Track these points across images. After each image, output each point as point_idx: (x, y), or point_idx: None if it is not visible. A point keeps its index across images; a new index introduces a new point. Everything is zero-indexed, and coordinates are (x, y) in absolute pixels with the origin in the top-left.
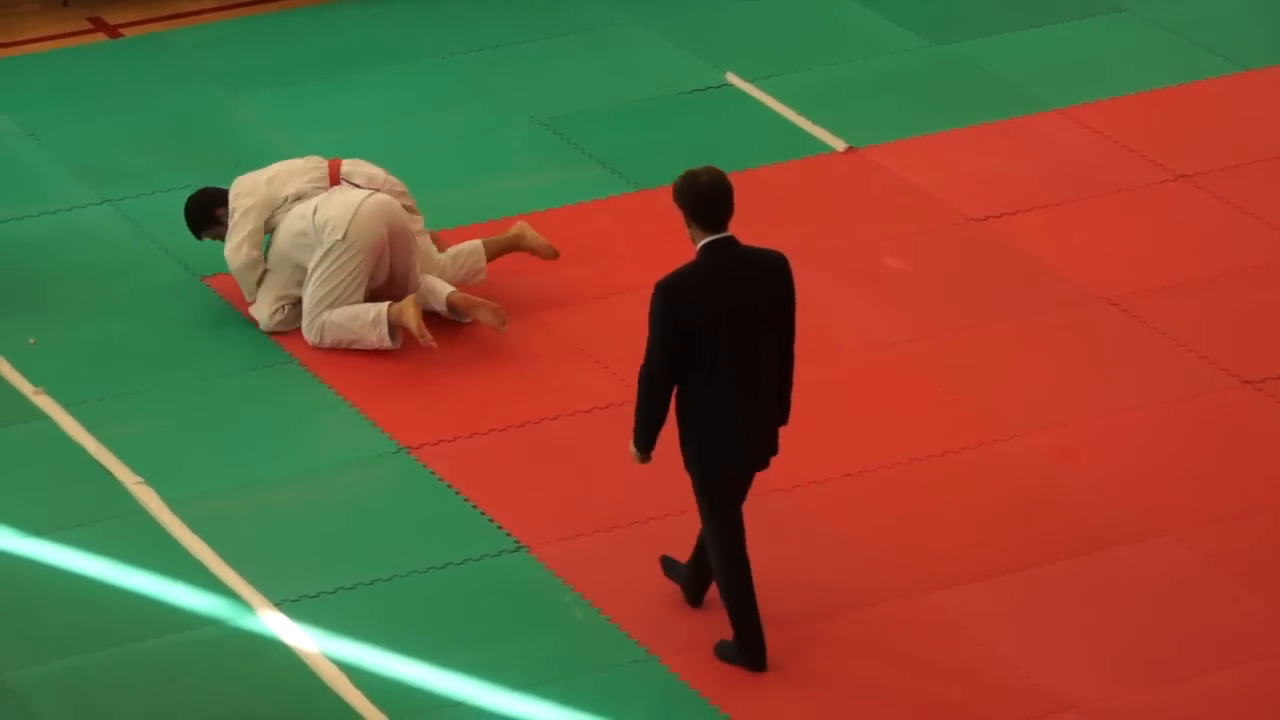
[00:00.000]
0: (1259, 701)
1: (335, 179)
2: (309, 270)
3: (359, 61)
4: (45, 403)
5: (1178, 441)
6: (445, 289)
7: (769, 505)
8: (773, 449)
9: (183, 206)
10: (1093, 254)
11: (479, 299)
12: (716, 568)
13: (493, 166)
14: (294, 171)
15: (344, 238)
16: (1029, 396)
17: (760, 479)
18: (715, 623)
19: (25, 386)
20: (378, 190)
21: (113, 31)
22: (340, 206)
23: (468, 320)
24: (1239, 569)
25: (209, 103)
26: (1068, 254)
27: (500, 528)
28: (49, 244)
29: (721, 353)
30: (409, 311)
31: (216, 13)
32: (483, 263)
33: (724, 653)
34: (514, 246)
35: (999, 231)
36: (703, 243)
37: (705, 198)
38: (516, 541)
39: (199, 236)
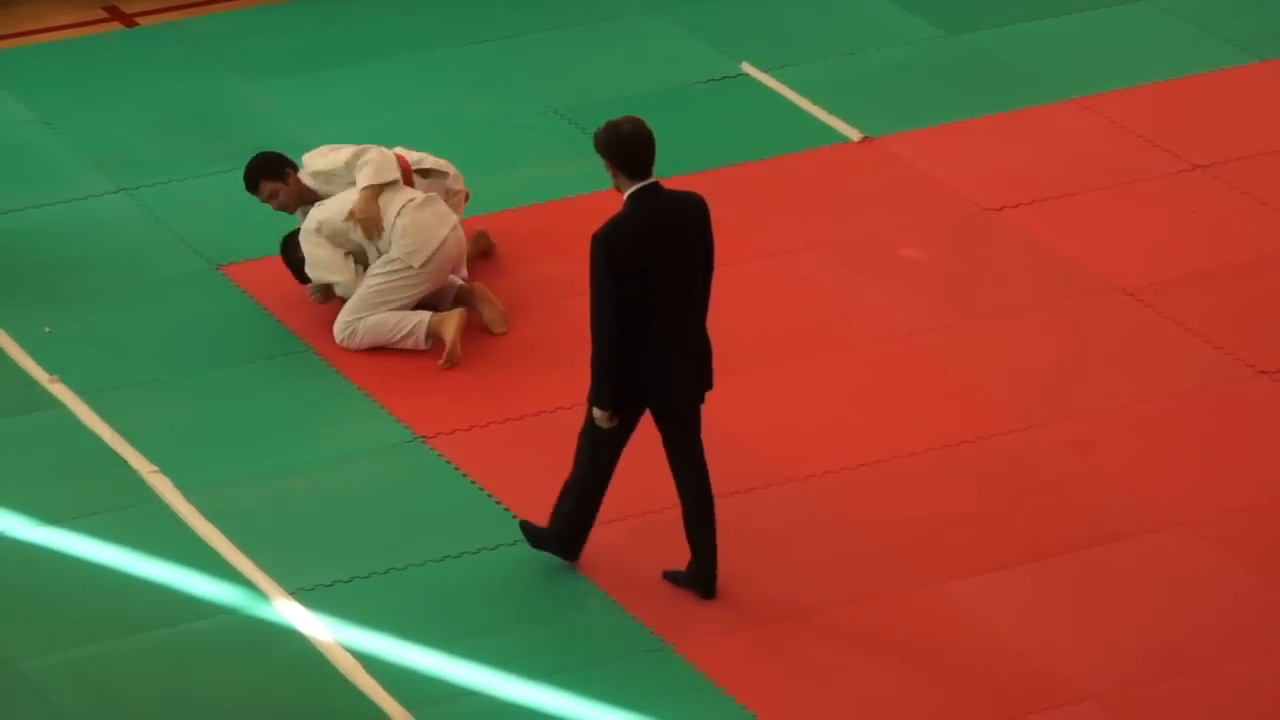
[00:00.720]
0: (1275, 692)
1: (407, 171)
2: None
3: (375, 51)
4: (60, 391)
5: (1194, 432)
6: (456, 279)
7: (784, 495)
8: (708, 382)
9: (246, 166)
10: (1108, 244)
11: (491, 296)
12: (582, 465)
13: (508, 156)
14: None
15: (422, 266)
16: (1044, 386)
17: (776, 468)
18: (733, 612)
19: (41, 375)
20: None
21: (128, 20)
22: (424, 231)
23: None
24: (1254, 560)
25: (225, 91)
26: (1083, 244)
27: (515, 517)
28: (64, 233)
29: (660, 294)
30: (451, 324)
31: (232, 1)
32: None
33: (535, 535)
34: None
35: (1014, 221)
36: (630, 190)
37: (630, 146)
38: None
39: (256, 189)
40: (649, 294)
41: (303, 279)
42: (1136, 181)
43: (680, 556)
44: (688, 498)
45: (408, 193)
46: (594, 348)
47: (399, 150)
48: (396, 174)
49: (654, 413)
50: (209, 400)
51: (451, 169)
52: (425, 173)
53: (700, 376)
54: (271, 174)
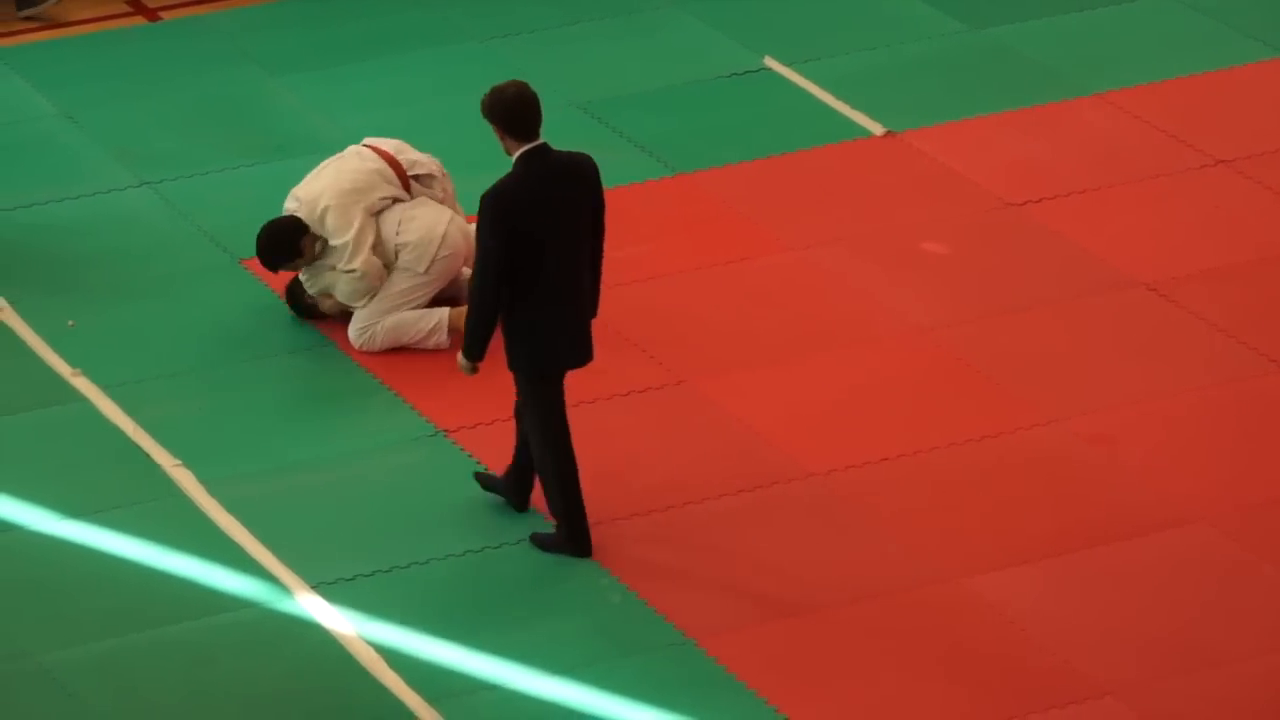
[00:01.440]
0: None
1: (404, 178)
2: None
3: (397, 45)
4: (83, 384)
5: (1216, 427)
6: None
7: (805, 489)
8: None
9: (259, 240)
10: (1131, 239)
11: None
12: (541, 452)
13: None
14: (369, 175)
15: (425, 271)
16: (1066, 381)
17: (797, 463)
18: (755, 606)
19: (63, 368)
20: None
21: (152, 15)
22: (424, 232)
23: None
24: (1276, 554)
25: (247, 85)
26: (1106, 239)
27: (536, 511)
28: (87, 226)
29: (549, 255)
30: None
31: None
32: None
33: (545, 542)
34: None
35: (1037, 216)
36: (519, 152)
37: (515, 108)
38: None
39: (276, 268)
40: (541, 252)
41: (303, 313)
42: (1159, 176)
43: (701, 550)
44: (564, 452)
45: (399, 209)
46: (473, 303)
47: (392, 147)
48: (367, 298)
49: (547, 369)
50: (231, 394)
51: (439, 170)
52: (417, 179)
53: (587, 341)
54: (290, 254)
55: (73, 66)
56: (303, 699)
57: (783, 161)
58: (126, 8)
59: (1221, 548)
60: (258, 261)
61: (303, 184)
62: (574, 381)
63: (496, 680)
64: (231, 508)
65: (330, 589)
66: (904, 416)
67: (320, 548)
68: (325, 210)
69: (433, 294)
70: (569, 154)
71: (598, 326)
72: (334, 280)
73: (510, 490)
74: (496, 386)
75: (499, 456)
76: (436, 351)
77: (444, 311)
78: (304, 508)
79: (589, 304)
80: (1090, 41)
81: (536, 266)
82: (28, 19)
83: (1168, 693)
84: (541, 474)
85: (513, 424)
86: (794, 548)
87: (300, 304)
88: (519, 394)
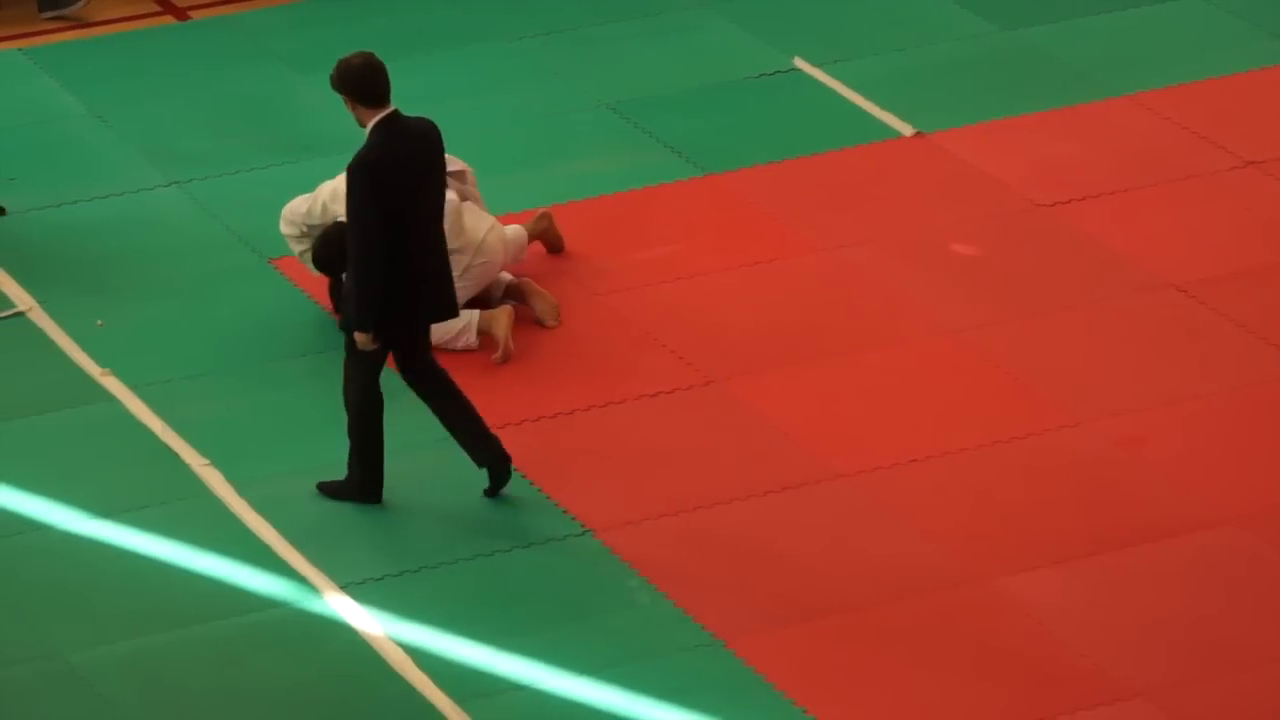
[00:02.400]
0: None
1: None
2: None
3: (426, 44)
4: (112, 384)
5: (1246, 428)
6: (506, 275)
7: (835, 490)
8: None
9: (319, 254)
10: (1161, 240)
11: (539, 289)
12: (358, 398)
13: (560, 150)
14: None
15: (461, 274)
16: (1097, 383)
17: (827, 464)
18: (784, 607)
19: (92, 368)
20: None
21: (181, 14)
22: (463, 236)
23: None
24: None
25: (276, 85)
26: (1136, 240)
27: (566, 512)
28: (116, 226)
29: (413, 218)
30: (502, 321)
31: None
32: (525, 248)
33: (334, 489)
34: (536, 233)
35: (1067, 217)
36: (373, 121)
37: (364, 78)
38: (582, 526)
39: (340, 275)
40: (405, 216)
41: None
42: (1189, 178)
43: (730, 551)
44: (448, 399)
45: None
46: (356, 275)
47: None
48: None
49: (412, 327)
50: (260, 394)
51: (462, 165)
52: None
53: (450, 298)
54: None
55: (102, 66)
56: (331, 699)
57: (812, 162)
58: (155, 7)
59: (1252, 549)
60: (329, 303)
61: (331, 187)
62: (604, 382)
63: (525, 681)
64: (260, 508)
65: (359, 589)
66: (933, 418)
67: (349, 548)
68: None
69: (467, 298)
70: (417, 119)
71: (627, 327)
72: None
73: (473, 452)
74: (524, 387)
75: (528, 454)
76: (465, 352)
77: (474, 314)
78: (332, 508)
79: (445, 264)
80: (1120, 42)
81: (400, 230)
82: (54, 19)
83: (1198, 694)
84: (350, 420)
85: (540, 423)
86: (823, 549)
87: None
88: (406, 368)
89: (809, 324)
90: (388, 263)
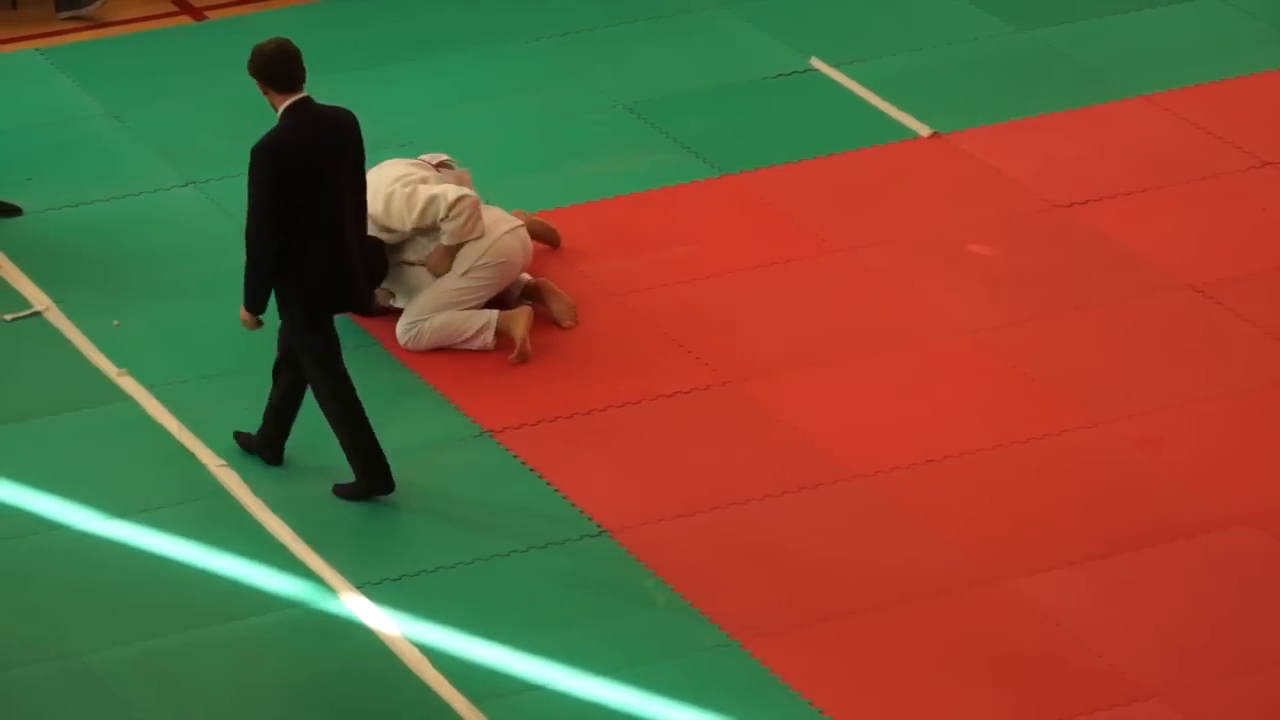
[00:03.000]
0: None
1: (432, 167)
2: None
3: (443, 45)
4: (129, 384)
5: (1263, 429)
6: (524, 275)
7: (851, 490)
8: (377, 279)
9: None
10: (1178, 241)
11: (557, 289)
12: (327, 400)
13: (577, 151)
14: (401, 165)
15: (465, 273)
16: (1113, 383)
17: (843, 464)
18: (800, 608)
19: (109, 368)
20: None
21: (197, 14)
22: (486, 236)
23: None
24: None
25: None
26: (1152, 241)
27: (583, 512)
28: (133, 226)
29: (317, 202)
30: (520, 322)
31: None
32: (531, 249)
33: (349, 492)
34: (535, 235)
35: (1084, 218)
36: (284, 106)
37: (276, 63)
38: (599, 526)
39: (377, 285)
40: (311, 200)
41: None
42: (1206, 178)
43: (746, 552)
44: (291, 383)
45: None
46: (250, 255)
47: (425, 157)
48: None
49: (326, 310)
50: None
51: (449, 159)
52: (443, 165)
53: (361, 283)
54: (384, 268)
55: (119, 66)
56: (347, 699)
57: (829, 162)
58: (172, 7)
59: (1268, 550)
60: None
61: None
62: (621, 382)
63: (541, 681)
64: (276, 508)
65: (375, 589)
66: (950, 418)
67: (365, 548)
68: (389, 197)
69: (486, 298)
70: (332, 108)
71: (644, 328)
72: (423, 249)
73: (268, 440)
74: (542, 387)
75: (545, 456)
76: (482, 352)
77: (492, 314)
78: (349, 508)
79: (358, 251)
80: (1137, 43)
81: (306, 215)
82: (71, 19)
83: (1214, 695)
84: (331, 422)
85: (557, 423)
86: (839, 549)
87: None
88: (288, 345)
89: (825, 324)
90: (291, 244)
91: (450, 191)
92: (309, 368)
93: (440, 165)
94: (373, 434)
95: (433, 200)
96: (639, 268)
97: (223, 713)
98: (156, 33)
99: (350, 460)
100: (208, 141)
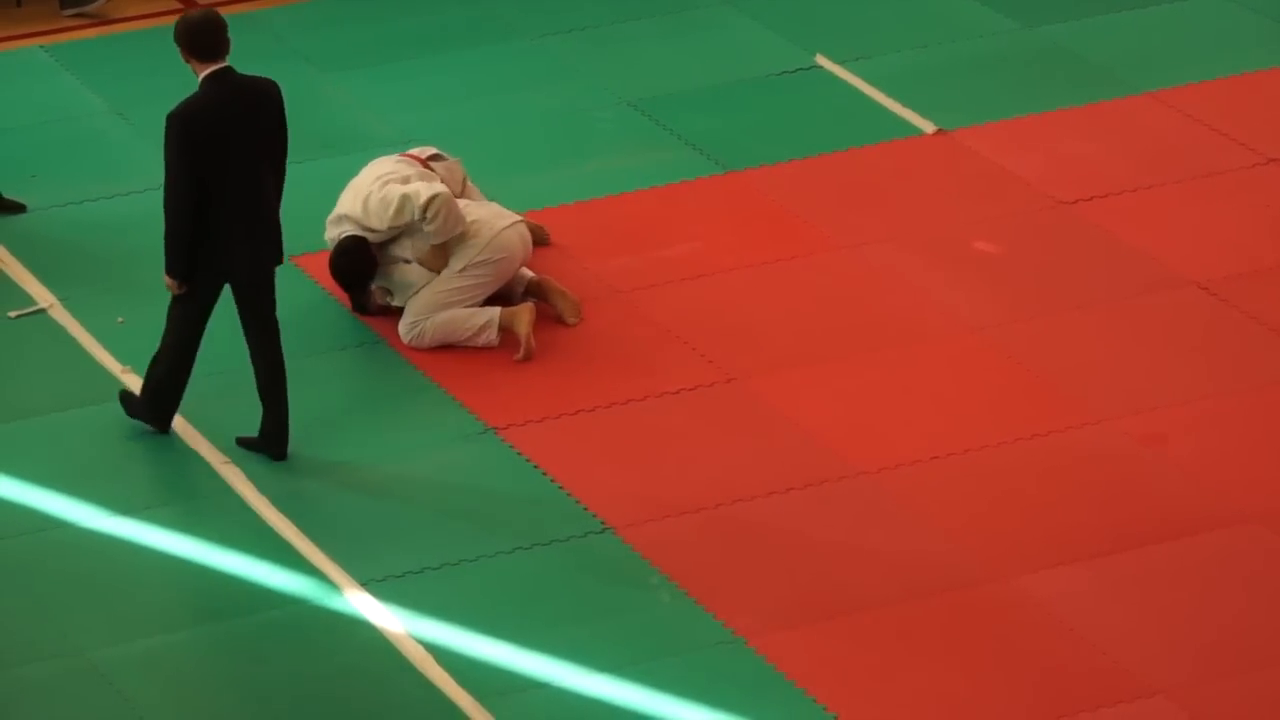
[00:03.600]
0: None
1: (421, 162)
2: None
3: (449, 43)
4: (133, 381)
5: (1268, 426)
6: (527, 272)
7: (856, 488)
8: (279, 255)
9: (339, 275)
10: (1182, 238)
11: (561, 286)
12: (172, 340)
13: (582, 148)
14: (389, 163)
15: (462, 270)
16: (1119, 380)
17: (848, 461)
18: (805, 605)
19: (114, 365)
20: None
21: None
22: (479, 231)
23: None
24: None
25: (299, 83)
26: (1157, 238)
27: (587, 509)
28: (137, 223)
29: (233, 172)
30: (523, 319)
31: None
32: (530, 245)
33: (132, 409)
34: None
35: (1089, 215)
36: (204, 74)
37: (199, 31)
38: (603, 523)
39: (366, 288)
40: (223, 168)
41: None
42: (1211, 175)
43: (751, 549)
44: (261, 360)
45: (462, 204)
46: (167, 221)
47: (413, 151)
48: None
49: (231, 281)
50: None
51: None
52: (434, 158)
53: (272, 246)
54: (369, 268)
55: (124, 63)
56: (351, 696)
57: (834, 160)
58: (177, 4)
59: (1274, 547)
60: (348, 300)
61: (336, 207)
62: (625, 379)
63: (545, 678)
64: (280, 505)
65: (379, 586)
66: (955, 415)
67: (369, 545)
68: (368, 198)
69: (486, 294)
70: (253, 78)
71: (649, 325)
72: (416, 247)
73: (267, 443)
74: (545, 384)
75: (549, 453)
76: (486, 349)
77: (495, 311)
78: (353, 505)
79: (275, 223)
80: (1143, 40)
81: (218, 181)
82: (75, 16)
83: (1218, 693)
84: (162, 350)
85: (560, 420)
86: (844, 546)
87: (362, 301)
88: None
89: (830, 321)
90: (205, 211)
91: (422, 191)
92: (174, 305)
93: (431, 158)
94: (182, 390)
95: (405, 200)
96: (643, 265)
97: (226, 710)
98: (161, 29)
99: (148, 387)
100: None
